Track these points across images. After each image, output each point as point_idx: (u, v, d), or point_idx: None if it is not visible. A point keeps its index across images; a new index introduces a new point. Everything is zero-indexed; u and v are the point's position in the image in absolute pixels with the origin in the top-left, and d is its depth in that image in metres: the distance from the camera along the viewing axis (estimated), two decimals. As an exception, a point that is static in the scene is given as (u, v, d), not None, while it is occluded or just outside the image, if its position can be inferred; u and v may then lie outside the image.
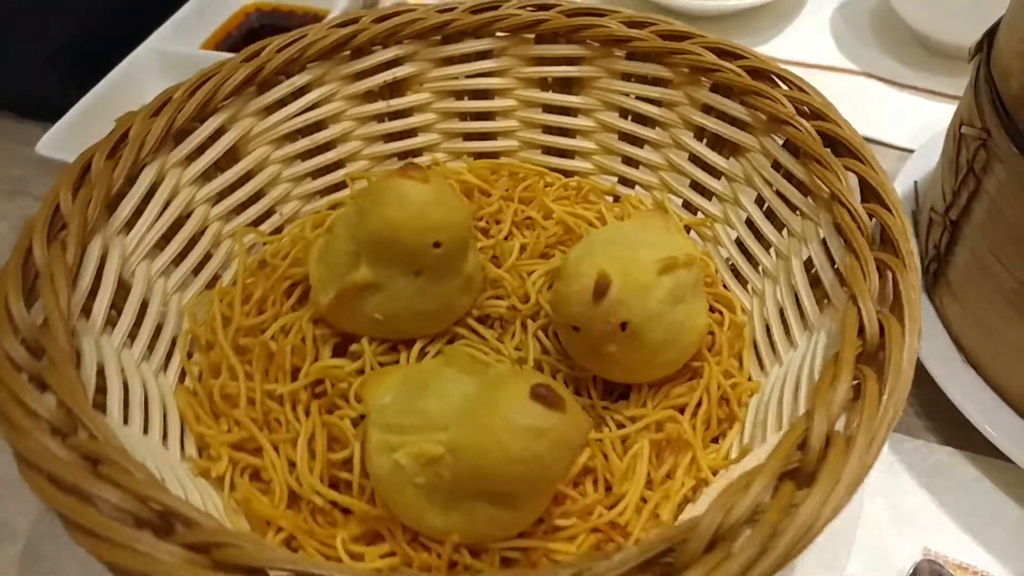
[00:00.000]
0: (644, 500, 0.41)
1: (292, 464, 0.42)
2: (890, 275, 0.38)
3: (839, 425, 0.33)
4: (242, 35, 0.84)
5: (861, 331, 0.36)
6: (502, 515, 0.36)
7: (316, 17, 0.82)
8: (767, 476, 0.32)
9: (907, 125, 0.74)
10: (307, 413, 0.44)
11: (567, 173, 0.59)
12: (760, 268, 0.50)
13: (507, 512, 0.36)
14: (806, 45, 0.84)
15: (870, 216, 0.41)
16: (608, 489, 0.42)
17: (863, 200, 0.43)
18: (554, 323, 0.45)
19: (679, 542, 0.30)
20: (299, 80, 0.53)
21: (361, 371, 0.46)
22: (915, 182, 0.61)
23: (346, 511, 0.41)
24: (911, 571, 0.44)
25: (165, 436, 0.42)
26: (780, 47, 0.84)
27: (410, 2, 0.55)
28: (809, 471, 0.33)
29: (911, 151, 0.66)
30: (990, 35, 0.49)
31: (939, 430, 0.52)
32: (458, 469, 0.35)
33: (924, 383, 0.51)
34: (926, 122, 0.73)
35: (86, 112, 0.67)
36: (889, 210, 0.41)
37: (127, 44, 0.74)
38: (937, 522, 0.48)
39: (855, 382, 0.34)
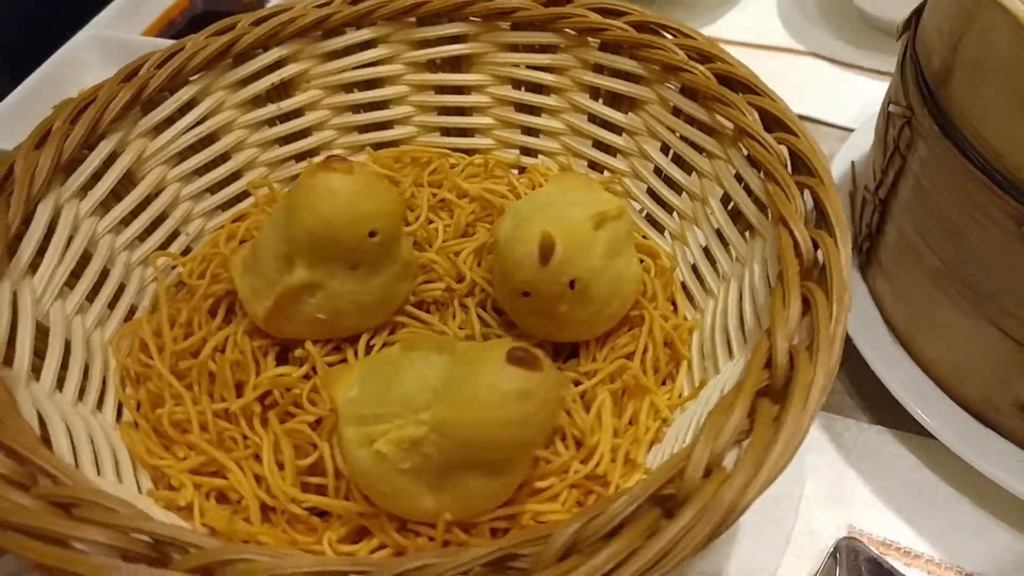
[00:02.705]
0: (614, 449, 0.42)
1: (258, 478, 0.41)
2: (810, 193, 0.41)
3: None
4: (186, 21, 0.82)
5: (797, 250, 0.38)
6: (491, 484, 0.37)
7: (260, 2, 0.80)
8: (746, 398, 0.33)
9: (851, 104, 0.72)
10: (264, 425, 0.43)
11: (469, 152, 0.59)
12: (676, 213, 0.52)
13: (496, 480, 0.37)
14: (752, 25, 0.83)
15: (779, 143, 0.44)
16: (579, 445, 0.42)
17: (767, 131, 0.45)
18: (499, 294, 0.45)
19: (677, 472, 0.31)
20: (184, 94, 0.51)
21: (307, 376, 0.45)
22: (852, 162, 0.60)
23: (322, 515, 0.40)
24: (831, 549, 0.44)
25: (119, 475, 0.40)
26: (726, 27, 0.83)
27: None
28: (780, 386, 0.35)
29: (853, 130, 0.64)
30: (918, 13, 0.48)
31: (870, 409, 0.52)
32: (445, 445, 0.35)
33: (856, 363, 0.50)
34: (869, 101, 0.71)
35: (23, 100, 0.65)
36: (795, 134, 0.43)
37: (66, 31, 0.71)
38: (864, 500, 0.48)
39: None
